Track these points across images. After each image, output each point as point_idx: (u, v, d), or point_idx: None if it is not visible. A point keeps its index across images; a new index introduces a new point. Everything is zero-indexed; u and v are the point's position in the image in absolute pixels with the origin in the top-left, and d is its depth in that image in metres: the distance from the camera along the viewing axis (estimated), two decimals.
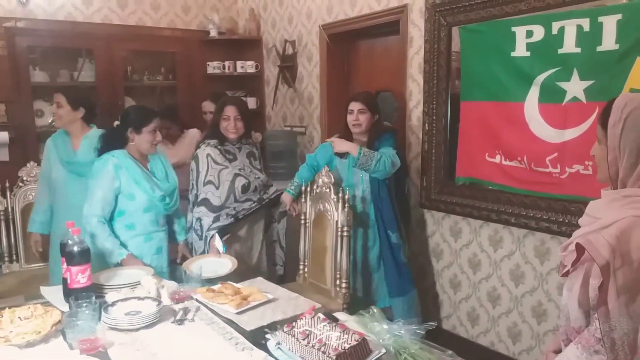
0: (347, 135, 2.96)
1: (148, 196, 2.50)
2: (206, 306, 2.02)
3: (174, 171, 2.72)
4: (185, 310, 1.95)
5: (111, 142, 2.55)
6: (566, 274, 1.37)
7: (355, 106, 2.90)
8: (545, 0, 2.44)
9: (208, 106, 3.50)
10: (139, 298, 1.97)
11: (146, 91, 4.44)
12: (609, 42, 2.24)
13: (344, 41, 3.90)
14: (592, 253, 1.19)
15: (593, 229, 1.25)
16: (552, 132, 2.50)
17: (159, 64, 4.52)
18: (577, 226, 2.34)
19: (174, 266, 2.73)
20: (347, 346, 1.50)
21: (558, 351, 1.43)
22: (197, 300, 2.07)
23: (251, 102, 4.64)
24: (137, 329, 1.80)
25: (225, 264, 2.49)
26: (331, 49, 3.90)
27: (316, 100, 4.10)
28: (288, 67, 4.31)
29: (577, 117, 2.39)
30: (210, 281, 2.27)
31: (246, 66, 4.64)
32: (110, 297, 2.00)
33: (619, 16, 2.20)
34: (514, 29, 2.58)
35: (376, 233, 2.98)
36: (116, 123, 2.56)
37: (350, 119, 2.91)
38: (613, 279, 1.17)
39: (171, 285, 2.14)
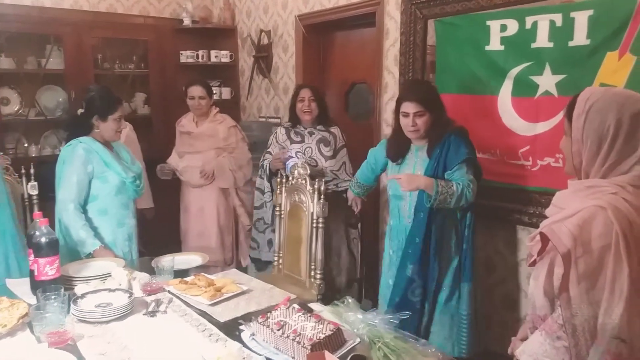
0: (401, 137, 2.39)
1: (120, 178, 2.50)
2: (179, 298, 1.99)
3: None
4: (158, 302, 1.92)
5: (75, 129, 2.53)
6: (533, 264, 1.40)
7: (409, 108, 2.26)
8: None
9: (195, 91, 3.45)
10: (110, 290, 1.94)
11: (117, 80, 4.34)
12: (580, 37, 2.28)
13: (320, 32, 3.88)
14: (555, 242, 1.22)
15: (557, 219, 1.28)
16: (524, 125, 2.54)
17: (131, 53, 4.42)
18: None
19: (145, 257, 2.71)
20: (322, 336, 1.50)
21: (525, 339, 1.45)
22: (169, 292, 2.04)
23: (225, 92, 4.60)
24: (108, 321, 1.76)
25: (195, 259, 2.47)
26: (307, 40, 3.87)
27: (291, 91, 4.05)
28: (263, 57, 4.27)
29: (548, 111, 2.43)
30: (183, 273, 2.24)
31: (220, 55, 4.58)
32: (79, 289, 1.95)
33: (590, 12, 2.24)
34: (488, 22, 2.60)
35: (418, 271, 2.33)
36: (80, 111, 2.52)
37: (404, 123, 2.30)
38: (574, 267, 1.20)
39: (143, 277, 2.10)
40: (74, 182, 2.42)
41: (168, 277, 2.14)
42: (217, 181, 3.51)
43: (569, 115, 1.32)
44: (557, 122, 2.40)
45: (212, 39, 4.66)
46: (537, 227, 2.51)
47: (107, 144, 2.55)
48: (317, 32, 3.87)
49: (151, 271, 2.21)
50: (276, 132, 3.19)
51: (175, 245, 3.63)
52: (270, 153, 3.18)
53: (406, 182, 2.23)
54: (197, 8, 4.58)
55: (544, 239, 1.29)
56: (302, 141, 3.05)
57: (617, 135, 1.24)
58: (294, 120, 3.09)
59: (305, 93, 3.03)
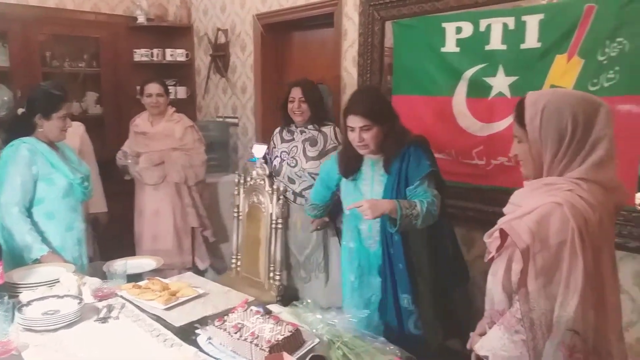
0: (351, 151, 2.16)
1: (68, 180, 2.39)
2: (132, 303, 1.93)
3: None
4: (109, 308, 1.86)
5: (17, 129, 2.39)
6: (491, 260, 1.42)
7: (355, 122, 2.05)
8: None
9: (153, 88, 3.34)
10: (58, 296, 1.85)
11: (67, 78, 4.16)
12: (531, 40, 2.34)
13: (279, 31, 3.85)
14: (514, 238, 1.24)
15: (515, 216, 1.31)
16: (478, 126, 2.59)
17: (82, 50, 4.26)
18: (502, 215, 2.45)
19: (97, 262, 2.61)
20: (280, 337, 1.48)
21: (483, 334, 1.47)
22: (122, 297, 1.98)
23: (181, 92, 4.51)
24: (56, 329, 1.68)
25: (149, 263, 2.40)
26: (265, 39, 3.84)
27: (250, 91, 4.02)
28: (220, 56, 4.20)
29: (502, 112, 2.48)
30: (136, 277, 2.17)
31: (176, 54, 4.48)
32: (25, 296, 1.86)
33: (541, 16, 2.31)
34: (444, 25, 2.64)
35: (379, 288, 2.16)
36: (21, 110, 2.40)
37: (351, 137, 2.09)
38: (532, 262, 1.22)
39: (94, 282, 2.02)
40: (18, 184, 2.28)
41: (120, 281, 2.07)
42: (167, 174, 3.40)
43: (520, 121, 1.34)
44: (510, 123, 2.44)
45: (167, 37, 4.56)
46: (492, 224, 2.56)
47: (52, 145, 2.42)
48: (275, 32, 3.84)
49: (103, 276, 2.13)
50: (276, 133, 3.04)
51: (128, 249, 3.52)
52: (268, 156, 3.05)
53: (370, 210, 1.94)
54: (152, 6, 4.47)
55: (503, 235, 1.31)
56: (292, 139, 2.91)
57: (574, 133, 1.27)
58: (287, 119, 2.90)
59: (296, 93, 2.82)
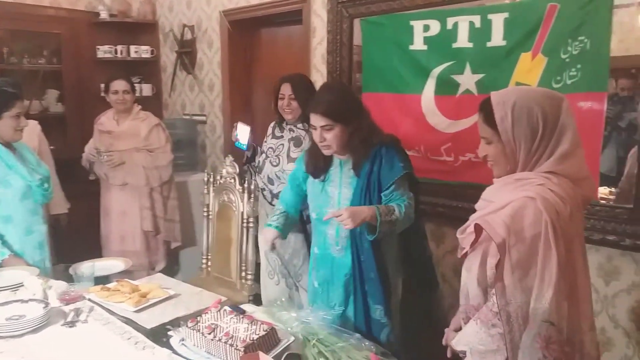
0: (318, 150, 1.99)
1: (25, 182, 2.29)
2: (101, 306, 1.88)
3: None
4: (77, 312, 1.81)
5: None
6: (464, 256, 1.44)
7: (315, 121, 1.90)
8: None
9: (119, 85, 3.24)
10: (23, 301, 1.79)
11: (27, 75, 4.03)
12: (497, 38, 2.39)
13: (246, 28, 3.81)
14: (490, 232, 1.26)
15: (489, 211, 1.33)
16: (446, 123, 2.63)
17: (42, 46, 4.12)
18: (471, 210, 2.49)
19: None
20: (255, 337, 1.47)
21: (458, 329, 1.49)
22: (90, 300, 1.93)
23: (146, 89, 4.41)
24: (21, 335, 1.63)
25: (117, 265, 2.35)
26: (233, 36, 3.80)
27: (218, 88, 3.97)
28: (187, 52, 4.14)
29: (469, 109, 2.52)
30: (104, 280, 2.12)
31: (141, 51, 4.38)
32: None
33: (505, 15, 2.35)
34: (412, 23, 2.66)
35: (347, 297, 1.98)
36: None
37: (314, 137, 1.95)
38: (508, 256, 1.24)
39: (60, 285, 1.97)
40: None
41: (88, 284, 2.02)
42: (126, 177, 3.32)
43: (489, 122, 1.34)
44: (477, 119, 2.50)
45: (131, 33, 4.45)
46: (460, 220, 2.60)
47: (8, 145, 2.32)
48: (243, 28, 3.80)
49: (68, 279, 2.07)
50: (270, 126, 2.87)
51: (93, 251, 3.43)
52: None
53: (350, 219, 1.77)
54: (114, 1, 4.35)
55: (478, 230, 1.33)
56: (281, 137, 2.73)
57: (545, 129, 1.29)
58: (280, 116, 2.71)
59: (286, 89, 2.62)
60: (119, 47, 4.30)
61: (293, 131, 2.68)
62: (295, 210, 2.22)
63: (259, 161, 2.78)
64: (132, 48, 4.33)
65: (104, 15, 4.26)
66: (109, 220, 3.43)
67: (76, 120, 4.14)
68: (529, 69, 2.31)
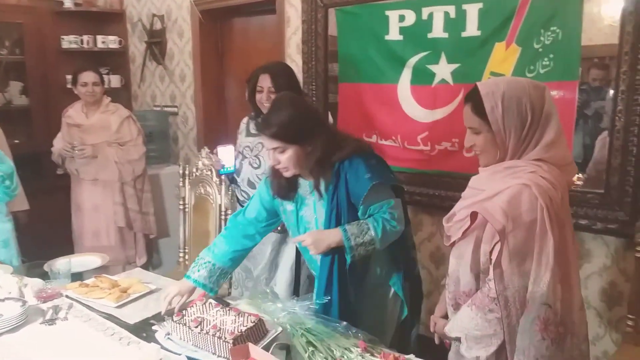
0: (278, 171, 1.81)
1: None
2: (80, 302, 1.84)
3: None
4: (56, 309, 1.76)
5: None
6: (452, 244, 1.47)
7: (267, 144, 1.75)
8: None
9: (88, 76, 3.14)
10: None
11: None
12: (472, 28, 2.43)
13: (218, 18, 3.75)
14: (489, 219, 1.29)
15: (481, 199, 1.35)
16: (422, 113, 2.66)
17: (3, 37, 3.95)
18: (447, 198, 2.52)
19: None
20: (243, 329, 1.47)
21: (445, 316, 1.53)
22: (68, 296, 1.88)
23: (115, 80, 4.30)
24: (0, 334, 1.58)
25: (94, 261, 2.30)
26: (204, 26, 3.73)
27: (189, 79, 3.90)
28: (156, 43, 4.05)
29: (445, 98, 2.56)
30: (79, 276, 2.06)
31: (108, 41, 4.25)
32: None
33: (480, 5, 2.39)
34: (387, 12, 2.68)
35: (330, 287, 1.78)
36: None
37: (270, 160, 1.79)
38: (506, 242, 1.28)
39: (36, 283, 1.91)
40: None
41: (65, 281, 1.97)
42: (98, 172, 3.24)
43: (478, 112, 1.36)
44: (453, 109, 2.54)
45: (97, 23, 4.32)
46: (437, 208, 2.66)
47: None
48: (214, 18, 3.75)
49: (43, 277, 2.01)
50: (242, 123, 2.60)
51: (63, 248, 3.34)
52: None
53: (313, 245, 1.70)
54: None
55: (473, 218, 1.35)
56: (259, 134, 2.30)
57: (533, 118, 1.33)
58: (257, 110, 2.39)
59: (265, 81, 2.33)
60: (85, 37, 4.16)
61: None
62: (232, 256, 1.90)
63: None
64: (99, 38, 4.21)
65: (68, 4, 4.12)
66: (81, 216, 3.35)
67: (41, 113, 4.01)
68: (503, 58, 2.35)
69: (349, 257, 1.69)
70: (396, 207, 1.73)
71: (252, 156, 2.46)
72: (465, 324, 1.36)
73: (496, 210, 1.29)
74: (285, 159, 1.71)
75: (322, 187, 1.75)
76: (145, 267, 3.27)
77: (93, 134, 3.25)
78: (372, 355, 1.39)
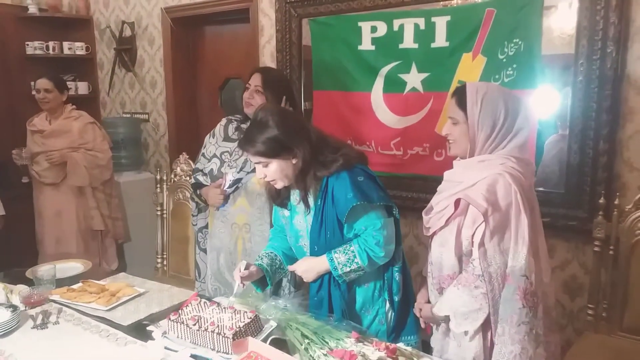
0: None
1: None
2: (69, 307, 1.85)
3: None
4: (46, 314, 1.77)
5: None
6: (432, 235, 1.64)
7: (252, 158, 1.75)
8: None
9: (41, 83, 3.11)
10: None
11: None
12: (440, 39, 2.57)
13: (190, 26, 3.79)
14: (473, 204, 1.48)
15: (461, 188, 1.53)
16: (395, 119, 2.79)
17: None
18: (419, 200, 2.66)
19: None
20: (241, 324, 1.53)
21: (428, 302, 1.68)
22: (55, 302, 1.89)
23: (82, 87, 4.27)
24: None
25: (76, 267, 2.30)
26: (176, 33, 3.76)
27: (160, 85, 3.92)
28: (126, 49, 4.04)
29: (416, 105, 2.70)
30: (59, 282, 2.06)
31: (75, 47, 4.21)
32: None
33: (448, 17, 2.54)
34: (360, 24, 2.79)
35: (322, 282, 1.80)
36: None
37: (257, 173, 1.79)
38: (487, 224, 1.46)
39: (22, 289, 1.91)
40: None
41: (49, 287, 1.97)
42: (69, 178, 3.22)
43: (460, 105, 1.55)
44: (423, 116, 2.68)
45: (64, 29, 4.27)
46: (410, 209, 2.78)
47: None
48: (186, 26, 3.78)
49: (25, 284, 2.01)
50: (215, 128, 2.43)
51: (28, 255, 3.30)
52: (203, 155, 2.38)
53: (304, 275, 1.78)
54: None
55: (456, 205, 1.52)
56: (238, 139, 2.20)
57: (505, 121, 1.53)
58: (245, 115, 2.29)
59: (254, 80, 2.24)
60: (51, 43, 4.11)
61: None
62: (284, 253, 1.92)
63: (211, 169, 2.31)
64: (66, 44, 4.17)
65: (32, 9, 4.07)
66: (43, 222, 3.33)
67: (6, 120, 3.93)
68: (471, 68, 2.51)
69: (342, 281, 1.73)
70: (383, 229, 1.70)
71: (231, 160, 2.27)
72: (453, 302, 1.53)
73: (478, 196, 1.47)
74: (271, 172, 1.71)
75: (311, 199, 1.76)
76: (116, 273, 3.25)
77: (55, 138, 3.24)
78: (365, 344, 1.48)
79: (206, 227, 2.46)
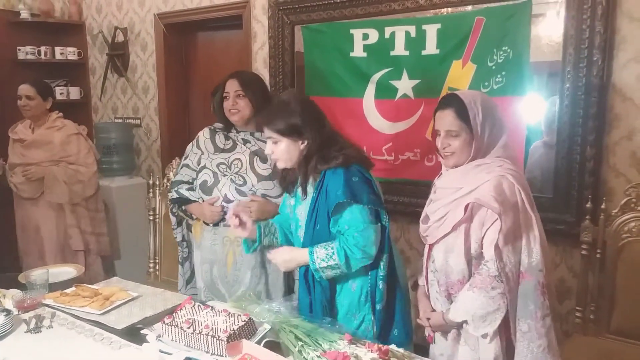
0: None
1: None
2: (63, 311, 1.85)
3: None
4: (39, 318, 1.77)
5: None
6: (432, 244, 1.64)
7: (265, 133, 1.84)
8: (379, 7, 2.74)
9: (22, 89, 3.03)
10: None
11: None
12: (431, 47, 2.62)
13: (183, 32, 3.81)
14: (488, 206, 1.50)
15: (461, 195, 1.56)
16: (386, 125, 2.82)
17: None
18: (410, 204, 2.69)
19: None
20: (235, 327, 1.54)
21: (433, 310, 1.69)
22: (49, 306, 1.89)
23: (74, 92, 4.27)
24: None
25: (69, 272, 2.30)
26: (168, 39, 3.78)
27: (153, 91, 3.93)
28: (119, 55, 4.05)
29: (407, 112, 2.74)
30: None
31: (67, 52, 4.21)
32: None
33: (438, 25, 2.59)
34: (352, 31, 2.83)
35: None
36: None
37: (266, 148, 1.88)
38: (502, 224, 1.48)
39: (15, 293, 1.91)
40: None
41: (42, 291, 1.97)
42: (46, 194, 3.04)
43: (461, 118, 1.58)
44: (414, 121, 2.72)
45: (56, 34, 4.27)
46: (402, 214, 2.81)
47: None
48: (179, 32, 3.80)
49: (17, 288, 2.01)
50: (197, 137, 2.33)
51: (11, 265, 3.24)
52: (187, 166, 2.31)
53: (283, 264, 1.87)
54: (36, 0, 4.16)
55: (466, 209, 1.54)
56: (232, 150, 2.23)
57: (495, 123, 1.61)
58: (226, 123, 2.26)
59: (231, 86, 2.19)
60: (43, 49, 4.11)
61: (250, 143, 2.23)
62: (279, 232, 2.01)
63: (204, 181, 2.22)
64: (57, 49, 4.16)
65: (24, 14, 4.07)
66: (24, 235, 3.21)
67: None
68: (460, 75, 2.55)
69: (317, 276, 1.77)
70: (365, 231, 1.70)
71: (233, 174, 2.20)
72: (469, 306, 1.53)
73: (489, 198, 1.49)
74: (278, 151, 1.80)
75: (310, 189, 1.83)
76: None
77: (34, 149, 3.06)
78: (358, 346, 1.50)
79: (183, 240, 2.47)
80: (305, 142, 1.78)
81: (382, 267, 1.78)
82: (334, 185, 1.74)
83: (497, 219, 1.48)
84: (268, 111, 1.85)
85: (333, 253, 1.72)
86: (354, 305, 1.81)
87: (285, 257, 1.84)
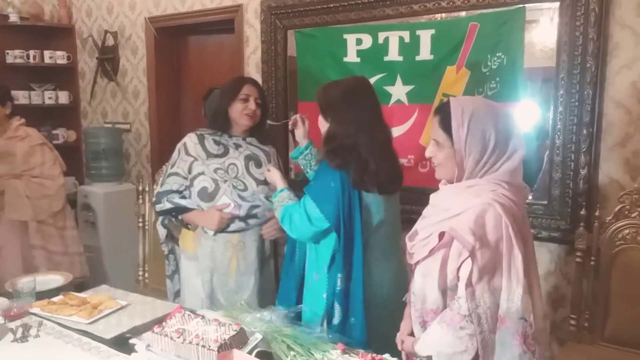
0: None
1: None
2: (50, 320, 1.81)
3: None
4: (26, 327, 1.72)
5: None
6: (416, 263, 1.48)
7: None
8: (372, 12, 2.72)
9: None
10: None
11: None
12: (425, 52, 2.60)
13: (174, 35, 3.78)
14: (460, 240, 1.32)
15: (446, 217, 1.39)
16: None
17: None
18: (405, 211, 2.65)
19: None
20: (226, 337, 1.51)
21: (411, 334, 1.53)
22: (36, 315, 1.84)
23: (63, 97, 4.22)
24: None
25: (57, 279, 2.25)
26: (160, 43, 3.75)
27: (143, 95, 3.89)
28: (108, 59, 4.00)
29: (401, 117, 2.72)
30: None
31: (56, 56, 4.17)
32: None
33: (432, 31, 2.57)
34: (345, 36, 2.82)
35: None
36: None
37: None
38: (475, 260, 1.30)
39: (1, 301, 1.87)
40: None
41: (29, 299, 1.93)
42: (7, 211, 2.78)
43: (445, 127, 1.41)
44: (408, 127, 2.70)
45: (45, 38, 4.23)
46: None
47: None
48: (170, 36, 3.77)
49: (3, 296, 1.97)
50: (184, 143, 2.25)
51: None
52: (177, 174, 2.23)
53: (271, 176, 2.13)
54: (25, 3, 4.12)
55: (440, 236, 1.38)
56: (225, 154, 2.21)
57: (497, 143, 1.38)
58: (224, 125, 2.23)
59: (252, 91, 2.21)
60: (32, 52, 4.06)
61: (241, 147, 2.25)
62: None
63: (204, 187, 2.18)
64: (47, 53, 4.11)
65: (13, 18, 4.02)
66: None
67: None
68: (455, 81, 2.54)
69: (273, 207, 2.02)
70: (300, 216, 1.86)
71: (232, 179, 2.19)
72: (436, 341, 1.37)
73: (464, 230, 1.31)
74: (319, 124, 1.98)
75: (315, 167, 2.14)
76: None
77: None
78: (351, 355, 1.47)
79: (170, 252, 2.41)
80: (328, 123, 1.93)
81: (334, 282, 1.85)
82: (315, 175, 2.03)
83: (474, 253, 1.30)
84: (324, 86, 2.04)
85: (290, 201, 1.95)
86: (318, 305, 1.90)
87: (274, 176, 2.09)
